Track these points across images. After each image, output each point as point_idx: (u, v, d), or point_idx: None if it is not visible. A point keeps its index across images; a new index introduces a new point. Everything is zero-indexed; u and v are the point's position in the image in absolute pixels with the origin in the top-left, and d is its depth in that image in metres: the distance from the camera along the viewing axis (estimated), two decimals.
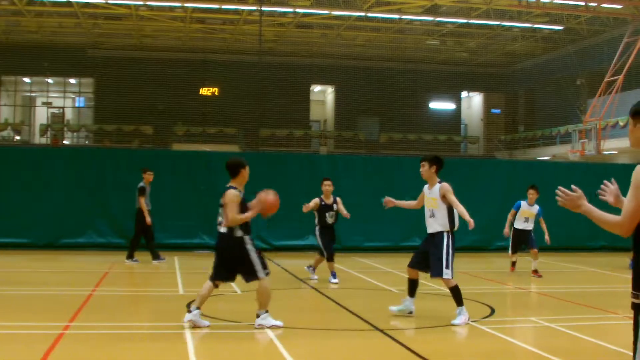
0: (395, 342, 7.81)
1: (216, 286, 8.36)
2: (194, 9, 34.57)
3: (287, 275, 13.62)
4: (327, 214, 12.68)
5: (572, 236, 19.54)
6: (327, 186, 12.74)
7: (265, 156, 22.84)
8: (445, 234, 8.80)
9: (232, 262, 8.18)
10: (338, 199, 12.88)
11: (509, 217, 14.38)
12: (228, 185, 8.16)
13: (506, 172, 20.64)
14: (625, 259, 15.10)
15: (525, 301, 11.65)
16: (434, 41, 41.46)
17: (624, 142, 35.03)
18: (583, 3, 32.31)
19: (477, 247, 19.06)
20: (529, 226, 14.34)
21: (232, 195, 7.98)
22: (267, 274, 8.17)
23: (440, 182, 8.95)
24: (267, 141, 41.64)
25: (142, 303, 10.86)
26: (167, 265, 14.95)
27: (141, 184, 14.90)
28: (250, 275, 8.16)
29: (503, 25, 37.08)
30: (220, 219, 8.18)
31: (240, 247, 8.09)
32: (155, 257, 15.19)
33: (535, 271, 14.00)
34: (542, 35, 39.45)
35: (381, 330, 8.35)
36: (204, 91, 43.74)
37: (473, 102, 51.94)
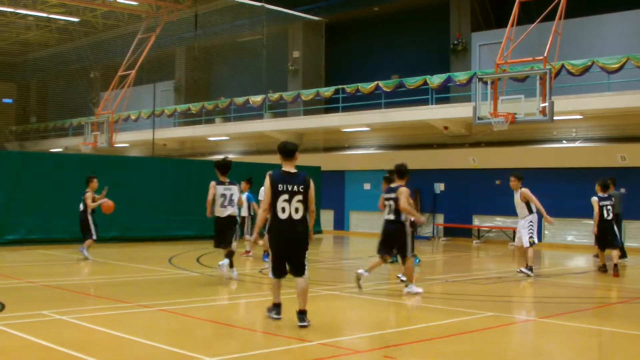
0: None
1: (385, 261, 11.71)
2: None
3: None
4: None
5: None
6: None
7: None
8: None
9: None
10: None
11: None
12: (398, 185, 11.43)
13: (17, 163, 19.91)
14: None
15: (36, 295, 11.32)
16: None
17: (135, 135, 36.46)
18: None
19: None
20: None
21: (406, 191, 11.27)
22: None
23: None
24: None
25: None
26: None
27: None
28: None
29: (17, 13, 35.52)
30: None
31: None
32: None
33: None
34: (57, 26, 38.77)
35: None
36: None
37: None
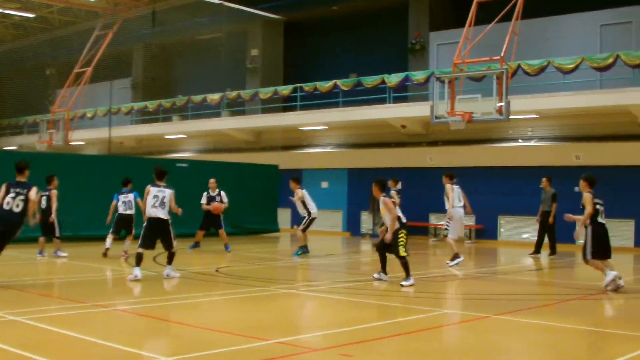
0: None
1: None
2: None
3: None
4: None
5: None
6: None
7: None
8: None
9: None
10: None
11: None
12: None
13: None
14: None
15: None
16: None
17: (91, 134, 36.01)
18: None
19: None
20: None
21: None
22: None
23: None
24: None
25: None
26: None
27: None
28: None
29: None
30: None
31: None
32: None
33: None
34: (13, 22, 38.16)
35: None
36: None
37: None
